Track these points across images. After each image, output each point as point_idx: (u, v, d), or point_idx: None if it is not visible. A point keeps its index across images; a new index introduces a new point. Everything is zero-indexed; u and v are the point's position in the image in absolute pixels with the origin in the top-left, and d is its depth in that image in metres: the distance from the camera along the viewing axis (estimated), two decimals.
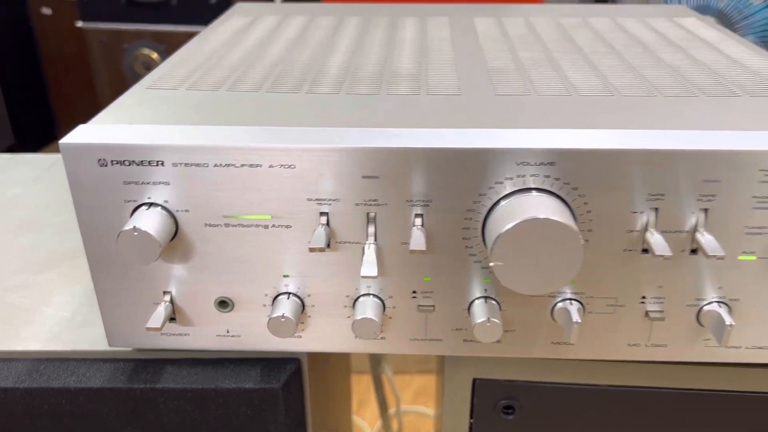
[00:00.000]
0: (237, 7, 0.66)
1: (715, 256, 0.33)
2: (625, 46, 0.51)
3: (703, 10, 1.61)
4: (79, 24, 1.61)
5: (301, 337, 0.39)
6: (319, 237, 0.34)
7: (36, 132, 2.43)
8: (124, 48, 1.60)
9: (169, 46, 1.57)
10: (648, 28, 0.56)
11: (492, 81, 0.44)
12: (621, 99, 0.40)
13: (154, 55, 1.59)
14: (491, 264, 0.33)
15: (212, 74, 0.45)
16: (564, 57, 0.49)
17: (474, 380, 0.42)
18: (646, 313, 0.37)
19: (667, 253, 0.33)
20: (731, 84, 0.42)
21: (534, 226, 0.32)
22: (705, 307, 0.37)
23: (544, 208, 0.33)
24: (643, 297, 0.37)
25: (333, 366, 0.64)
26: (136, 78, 1.62)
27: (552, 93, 0.41)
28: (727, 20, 1.59)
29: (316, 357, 0.45)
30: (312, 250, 0.34)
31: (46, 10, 1.92)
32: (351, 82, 0.44)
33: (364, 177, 0.34)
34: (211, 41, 0.54)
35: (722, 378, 0.40)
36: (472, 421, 0.43)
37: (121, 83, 1.65)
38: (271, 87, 0.43)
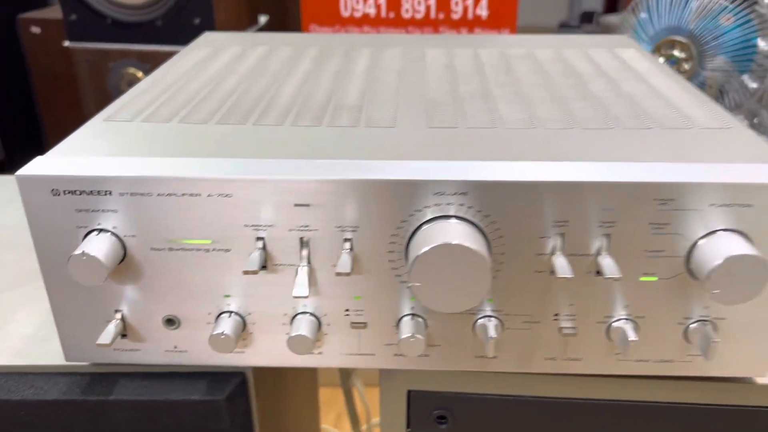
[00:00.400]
0: (204, 37, 0.69)
1: (612, 277, 0.36)
2: (561, 78, 0.55)
3: (675, 31, 1.66)
4: (66, 44, 1.65)
5: (244, 352, 0.42)
6: (253, 261, 0.37)
7: (25, 146, 2.46)
8: (109, 67, 1.63)
9: (153, 64, 1.60)
10: (587, 60, 0.60)
11: (427, 113, 0.47)
12: (542, 131, 0.44)
13: (140, 74, 1.63)
14: (409, 284, 0.36)
15: (168, 106, 0.49)
16: (500, 89, 0.52)
17: (409, 392, 0.45)
18: (560, 329, 0.41)
19: (568, 274, 0.36)
20: (647, 116, 0.46)
21: (447, 250, 0.35)
22: (613, 324, 0.40)
23: (457, 234, 0.36)
24: (556, 314, 0.40)
25: (293, 379, 0.67)
26: (120, 95, 1.66)
27: (479, 125, 0.45)
28: (697, 41, 1.64)
29: (264, 371, 0.48)
30: (246, 272, 0.37)
31: (35, 29, 1.96)
32: (297, 114, 0.47)
33: (296, 205, 0.38)
34: (174, 71, 0.57)
35: (635, 389, 0.43)
36: (409, 430, 0.46)
37: (107, 100, 1.69)
38: (221, 119, 0.46)
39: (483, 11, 1.37)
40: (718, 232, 0.37)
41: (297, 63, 0.60)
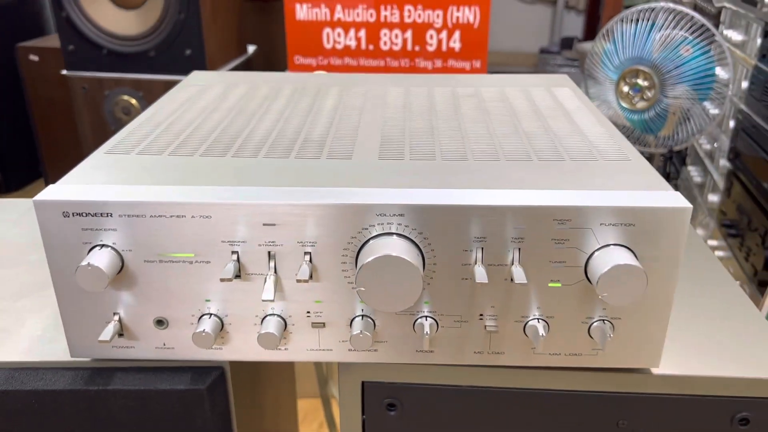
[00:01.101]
0: (193, 76, 0.78)
1: (520, 283, 0.45)
2: (499, 115, 0.64)
3: (638, 61, 1.77)
4: (64, 72, 1.73)
5: (222, 348, 0.50)
6: (228, 271, 0.46)
7: (22, 171, 2.54)
8: (105, 94, 1.72)
9: (147, 92, 1.69)
10: (525, 98, 0.69)
11: (380, 147, 0.56)
12: (473, 163, 0.52)
13: (133, 101, 1.72)
14: (355, 288, 0.45)
15: (160, 140, 0.57)
16: (445, 125, 0.61)
17: (363, 383, 0.53)
18: (485, 327, 0.49)
19: (484, 280, 0.45)
20: (564, 150, 0.55)
21: (387, 261, 0.44)
22: (529, 323, 0.48)
23: (396, 248, 0.44)
24: (481, 314, 0.49)
25: (267, 377, 0.75)
26: (115, 121, 1.74)
27: (421, 158, 0.53)
28: (659, 70, 1.75)
29: (240, 366, 0.56)
30: (222, 280, 0.45)
31: (34, 57, 2.05)
32: (270, 147, 0.56)
33: (264, 225, 0.46)
34: (165, 109, 0.66)
35: (552, 379, 0.51)
36: (364, 417, 0.54)
37: (102, 126, 1.77)
38: (204, 152, 0.54)
39: (456, 44, 1.47)
40: (609, 247, 0.45)
41: (273, 101, 0.68)
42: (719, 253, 1.63)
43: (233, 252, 0.47)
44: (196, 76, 0.78)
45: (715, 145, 1.82)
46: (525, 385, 0.52)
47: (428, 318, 0.49)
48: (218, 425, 0.53)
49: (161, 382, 0.50)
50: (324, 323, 0.49)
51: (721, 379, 0.50)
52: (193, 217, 0.46)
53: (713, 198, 1.76)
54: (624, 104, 1.78)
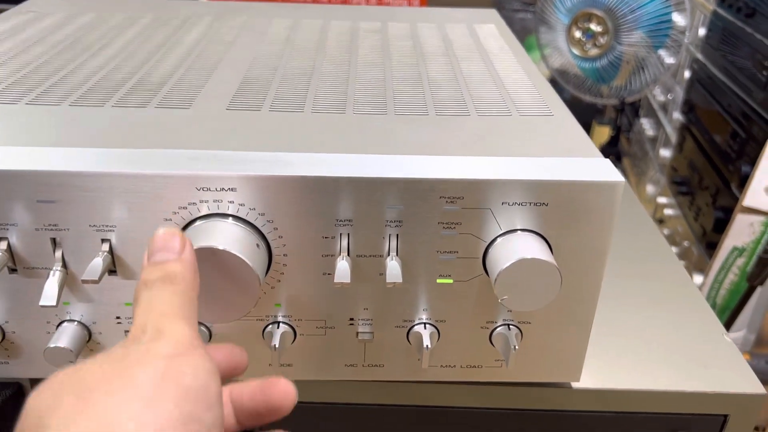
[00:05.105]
0: (30, 1, 0.62)
1: (393, 283, 0.33)
2: (401, 57, 0.51)
3: (592, 4, 1.64)
4: None
5: (7, 363, 0.38)
6: None
7: None
8: None
9: None
10: (439, 36, 0.56)
11: (234, 94, 0.42)
12: (348, 117, 0.40)
13: None
14: None
15: None
16: (328, 67, 0.48)
17: None
18: (356, 335, 0.37)
19: (345, 280, 0.33)
20: (471, 101, 0.42)
21: (210, 255, 0.31)
22: (414, 328, 0.37)
23: (222, 236, 0.32)
24: (351, 319, 0.37)
25: None
26: None
27: (285, 108, 0.40)
28: (614, 15, 1.63)
29: None
30: None
31: None
32: (88, 91, 0.42)
33: (39, 201, 0.33)
34: None
35: (447, 394, 0.41)
36: None
37: None
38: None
39: None
40: (515, 233, 0.34)
41: (120, 34, 0.54)
42: (668, 212, 1.56)
43: (1, 239, 0.33)
44: (35, 0, 0.62)
45: (669, 96, 1.73)
46: (412, 402, 0.41)
47: (281, 324, 0.37)
48: None
49: None
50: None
51: (654, 393, 0.40)
52: None
53: (665, 153, 1.68)
54: (575, 51, 1.66)
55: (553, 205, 0.33)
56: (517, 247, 0.33)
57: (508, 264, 0.32)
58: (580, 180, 0.33)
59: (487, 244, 0.34)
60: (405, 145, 0.36)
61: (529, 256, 0.32)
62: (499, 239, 0.34)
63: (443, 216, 0.33)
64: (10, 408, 0.39)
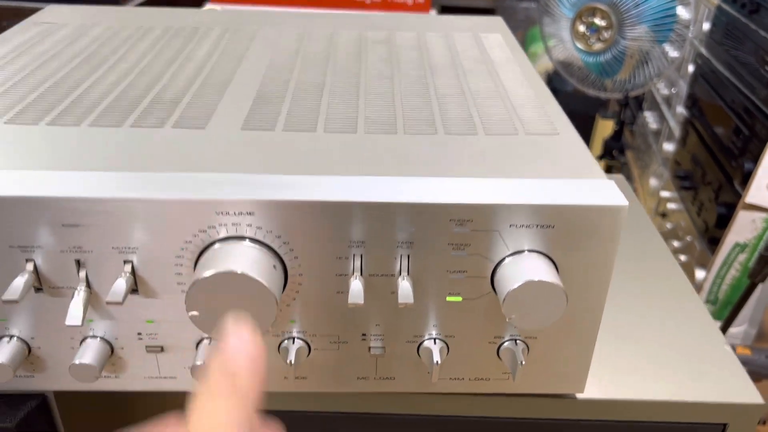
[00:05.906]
0: (45, 12, 0.63)
1: (404, 303, 0.34)
2: (408, 69, 0.52)
3: None
4: None
5: (33, 376, 0.39)
6: (15, 289, 0.34)
7: None
8: None
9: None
10: (446, 46, 0.57)
11: (249, 112, 0.43)
12: (359, 137, 0.41)
13: None
14: (189, 313, 0.34)
15: None
16: (337, 81, 0.49)
17: None
18: (369, 349, 0.39)
19: (358, 300, 0.34)
20: (479, 118, 0.43)
21: (227, 279, 0.32)
22: (424, 343, 0.38)
23: (241, 260, 0.33)
24: (364, 334, 0.38)
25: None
26: None
27: (295, 128, 0.41)
28: (618, 9, 1.63)
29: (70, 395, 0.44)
30: (5, 302, 0.33)
31: None
32: (105, 110, 0.43)
33: (64, 225, 0.34)
34: None
35: (458, 405, 0.42)
36: None
37: None
38: (13, 117, 0.41)
39: None
40: (522, 254, 0.35)
41: (133, 47, 0.55)
42: (671, 206, 1.57)
43: (27, 260, 0.35)
44: (50, 11, 0.63)
45: (673, 90, 1.73)
46: (421, 411, 0.42)
47: (296, 340, 0.38)
48: None
49: None
50: (161, 347, 0.38)
51: (655, 403, 0.42)
52: None
53: (668, 147, 1.69)
54: (580, 45, 1.66)
55: (559, 228, 0.34)
56: (524, 269, 0.34)
57: (516, 285, 0.33)
58: (585, 204, 0.34)
59: (495, 264, 0.36)
60: (416, 167, 0.37)
61: (536, 279, 0.33)
62: (507, 259, 0.35)
63: (453, 237, 0.35)
64: (34, 418, 0.41)
